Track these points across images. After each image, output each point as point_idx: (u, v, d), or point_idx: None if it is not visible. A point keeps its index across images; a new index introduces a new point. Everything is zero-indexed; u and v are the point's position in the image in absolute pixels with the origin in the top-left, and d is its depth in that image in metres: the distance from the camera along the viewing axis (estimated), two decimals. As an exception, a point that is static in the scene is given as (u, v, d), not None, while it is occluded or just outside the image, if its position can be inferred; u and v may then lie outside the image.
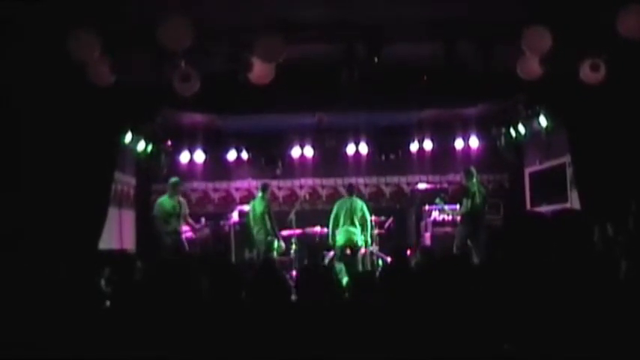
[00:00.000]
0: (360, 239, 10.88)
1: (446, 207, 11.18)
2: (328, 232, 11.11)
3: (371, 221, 11.21)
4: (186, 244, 10.61)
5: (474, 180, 10.34)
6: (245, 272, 4.35)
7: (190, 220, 10.83)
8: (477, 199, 10.19)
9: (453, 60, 7.41)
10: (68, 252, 7.30)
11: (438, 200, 11.16)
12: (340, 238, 10.83)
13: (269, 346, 3.35)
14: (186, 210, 10.64)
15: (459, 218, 10.61)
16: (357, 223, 10.88)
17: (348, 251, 10.73)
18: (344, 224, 10.86)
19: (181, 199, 10.67)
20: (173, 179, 10.70)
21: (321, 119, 11.40)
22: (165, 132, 11.86)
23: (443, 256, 6.61)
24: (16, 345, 3.61)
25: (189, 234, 10.99)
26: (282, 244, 11.13)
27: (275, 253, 10.96)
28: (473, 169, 10.47)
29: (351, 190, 11.34)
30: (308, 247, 10.84)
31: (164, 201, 10.44)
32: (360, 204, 11.07)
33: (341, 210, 10.97)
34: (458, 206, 10.78)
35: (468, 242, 10.06)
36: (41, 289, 5.00)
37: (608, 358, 2.71)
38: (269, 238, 10.93)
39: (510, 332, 2.87)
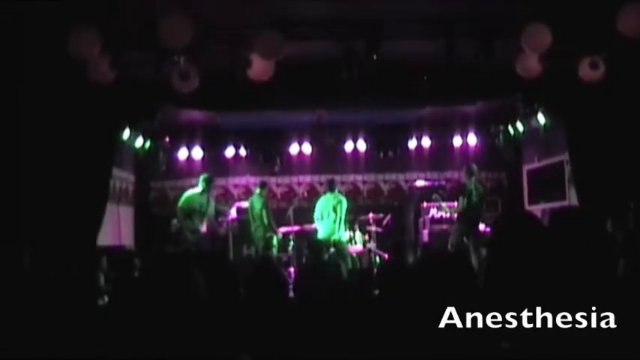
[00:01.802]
0: (343, 235, 10.70)
1: (443, 204, 11.15)
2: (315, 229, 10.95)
3: (346, 219, 10.86)
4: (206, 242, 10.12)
5: (473, 178, 10.31)
6: (243, 269, 4.35)
7: (213, 221, 10.45)
8: (474, 198, 10.15)
9: (453, 57, 7.40)
10: (67, 248, 7.31)
11: (435, 196, 11.14)
12: (322, 234, 10.64)
13: (267, 343, 3.36)
14: (212, 211, 10.20)
15: (456, 216, 10.61)
16: (341, 218, 10.67)
17: (332, 249, 10.56)
18: (326, 220, 10.64)
19: (211, 198, 10.18)
20: (206, 175, 10.24)
21: (322, 117, 11.38)
22: (163, 129, 11.83)
23: (439, 254, 6.63)
24: (14, 343, 3.61)
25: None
26: (280, 237, 11.07)
27: (274, 250, 10.93)
28: (474, 167, 10.39)
29: (332, 185, 11.05)
30: (309, 244, 10.68)
31: (194, 196, 9.95)
32: (341, 199, 10.86)
33: (323, 205, 10.76)
34: (456, 203, 10.77)
35: (465, 240, 10.05)
36: (39, 285, 5.01)
37: (607, 356, 2.72)
38: (267, 234, 10.90)
39: (508, 331, 2.88)
